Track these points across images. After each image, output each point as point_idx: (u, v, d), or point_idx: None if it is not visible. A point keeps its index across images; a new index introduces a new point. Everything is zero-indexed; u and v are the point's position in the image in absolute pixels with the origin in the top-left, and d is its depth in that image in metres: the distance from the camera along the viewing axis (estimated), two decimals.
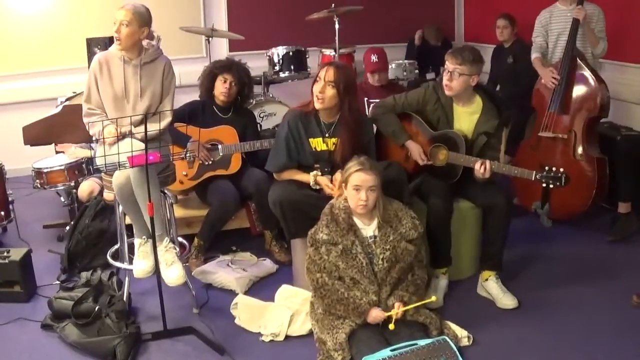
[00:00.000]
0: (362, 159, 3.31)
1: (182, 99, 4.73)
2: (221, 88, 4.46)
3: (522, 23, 5.95)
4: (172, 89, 3.70)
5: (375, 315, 3.18)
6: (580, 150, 4.55)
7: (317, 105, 3.71)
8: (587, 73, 4.55)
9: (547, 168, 3.59)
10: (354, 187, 3.25)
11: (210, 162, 4.38)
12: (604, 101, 4.53)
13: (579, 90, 4.58)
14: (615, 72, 5.31)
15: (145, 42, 3.63)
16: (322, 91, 3.67)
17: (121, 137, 3.43)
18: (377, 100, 4.39)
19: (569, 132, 4.59)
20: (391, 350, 3.01)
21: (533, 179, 3.61)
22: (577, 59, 4.59)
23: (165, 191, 3.78)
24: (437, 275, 3.86)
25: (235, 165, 4.42)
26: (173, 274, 3.43)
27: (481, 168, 3.65)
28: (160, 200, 3.53)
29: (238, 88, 4.53)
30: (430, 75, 6.82)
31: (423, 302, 3.29)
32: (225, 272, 4.09)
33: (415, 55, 6.92)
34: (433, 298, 3.36)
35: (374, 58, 5.26)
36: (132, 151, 3.18)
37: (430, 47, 7.09)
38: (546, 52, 4.99)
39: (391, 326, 3.13)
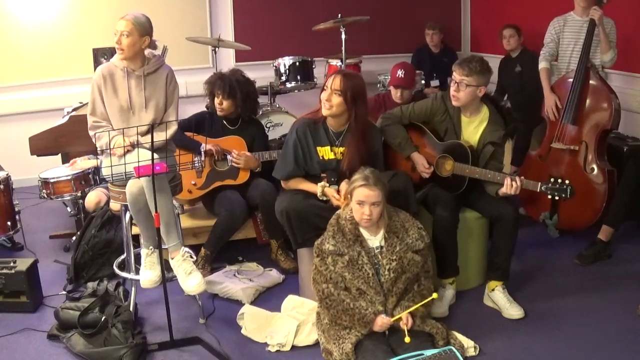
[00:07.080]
0: (368, 172, 3.29)
1: (189, 109, 4.75)
2: (216, 103, 4.46)
3: (528, 33, 5.95)
4: (176, 98, 3.69)
5: (382, 322, 3.17)
6: (591, 162, 4.51)
7: (325, 111, 3.69)
8: (599, 84, 4.52)
9: (552, 179, 3.58)
10: (357, 202, 3.25)
11: (223, 157, 4.38)
12: (616, 113, 4.49)
13: (591, 102, 4.55)
14: (622, 82, 5.30)
15: (147, 52, 3.62)
16: (328, 99, 3.65)
17: (130, 147, 3.42)
18: None
19: (580, 143, 4.55)
20: None
21: (538, 190, 3.60)
22: (590, 70, 4.56)
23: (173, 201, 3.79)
24: (444, 285, 3.86)
25: (243, 175, 4.42)
26: (193, 282, 3.42)
27: (512, 184, 3.59)
28: (174, 209, 3.52)
29: (231, 100, 4.44)
30: (434, 83, 6.79)
31: (426, 300, 3.25)
32: (232, 283, 4.09)
33: (421, 64, 6.90)
34: (434, 295, 3.28)
35: (399, 73, 4.82)
36: (138, 161, 3.19)
37: (432, 54, 7.07)
38: (554, 60, 4.97)
39: (407, 339, 3.10)
